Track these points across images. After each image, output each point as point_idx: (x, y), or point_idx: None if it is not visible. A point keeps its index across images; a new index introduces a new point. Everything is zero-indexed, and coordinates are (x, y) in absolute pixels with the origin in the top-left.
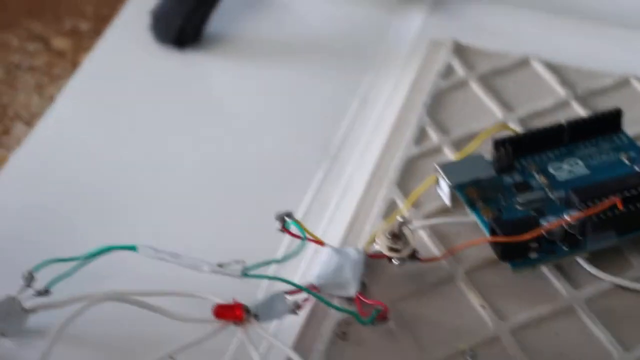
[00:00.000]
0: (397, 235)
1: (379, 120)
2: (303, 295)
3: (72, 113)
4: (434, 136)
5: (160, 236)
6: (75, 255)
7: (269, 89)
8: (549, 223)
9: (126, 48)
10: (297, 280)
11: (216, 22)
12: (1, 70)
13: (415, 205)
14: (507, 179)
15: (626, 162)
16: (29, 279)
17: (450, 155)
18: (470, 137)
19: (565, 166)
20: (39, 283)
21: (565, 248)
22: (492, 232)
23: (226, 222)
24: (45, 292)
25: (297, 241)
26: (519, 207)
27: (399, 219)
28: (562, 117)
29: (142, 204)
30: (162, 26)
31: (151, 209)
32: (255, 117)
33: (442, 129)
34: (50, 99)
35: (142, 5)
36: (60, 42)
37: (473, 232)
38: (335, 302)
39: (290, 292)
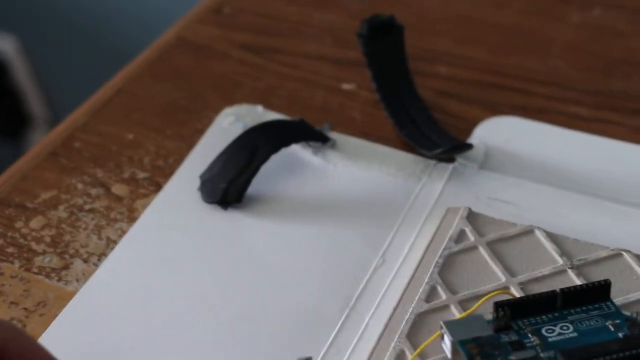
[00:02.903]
0: None
1: (395, 276)
2: None
3: (126, 262)
4: (443, 295)
5: None
6: None
7: (300, 246)
8: None
9: (178, 206)
10: None
11: (256, 185)
12: (66, 211)
13: (422, 355)
14: (504, 337)
15: (612, 328)
16: None
17: (456, 312)
18: (475, 298)
19: (557, 329)
20: None
21: None
22: None
23: None
24: None
25: None
26: None
27: None
28: (558, 284)
29: (182, 349)
30: (209, 189)
31: (189, 354)
32: (286, 271)
33: (450, 288)
34: (107, 240)
35: (194, 170)
36: (119, 189)
37: None
38: None
39: None
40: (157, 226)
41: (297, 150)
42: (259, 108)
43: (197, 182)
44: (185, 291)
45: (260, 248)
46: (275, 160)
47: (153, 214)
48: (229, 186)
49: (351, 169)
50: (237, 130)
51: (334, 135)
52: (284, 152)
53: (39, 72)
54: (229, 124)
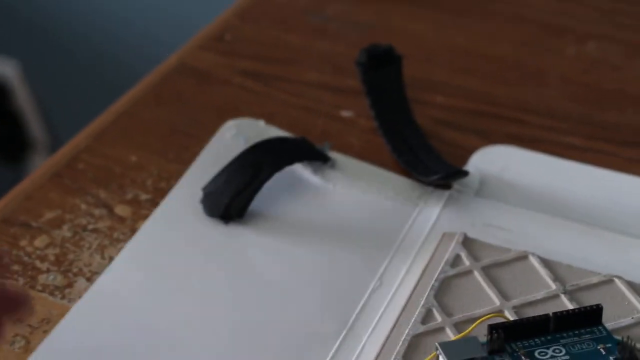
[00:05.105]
0: None
1: (392, 299)
2: None
3: (126, 273)
4: (438, 317)
5: None
6: None
7: (300, 264)
8: None
9: (179, 218)
10: None
11: (259, 202)
12: (70, 231)
13: None
14: (498, 359)
15: (603, 352)
16: None
17: (451, 334)
18: (470, 320)
19: (550, 352)
20: None
21: None
22: None
23: None
24: None
25: None
26: None
27: None
28: (551, 308)
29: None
30: (211, 202)
31: None
32: (284, 288)
33: (446, 311)
34: (110, 259)
35: (196, 181)
36: (121, 210)
37: None
38: None
39: None
40: (156, 239)
41: (297, 168)
42: (261, 122)
43: (198, 194)
44: (182, 303)
45: (260, 264)
46: (276, 177)
47: (152, 227)
48: (231, 201)
49: (350, 190)
50: (238, 144)
51: (333, 155)
52: (285, 169)
53: (40, 97)
54: (230, 137)
